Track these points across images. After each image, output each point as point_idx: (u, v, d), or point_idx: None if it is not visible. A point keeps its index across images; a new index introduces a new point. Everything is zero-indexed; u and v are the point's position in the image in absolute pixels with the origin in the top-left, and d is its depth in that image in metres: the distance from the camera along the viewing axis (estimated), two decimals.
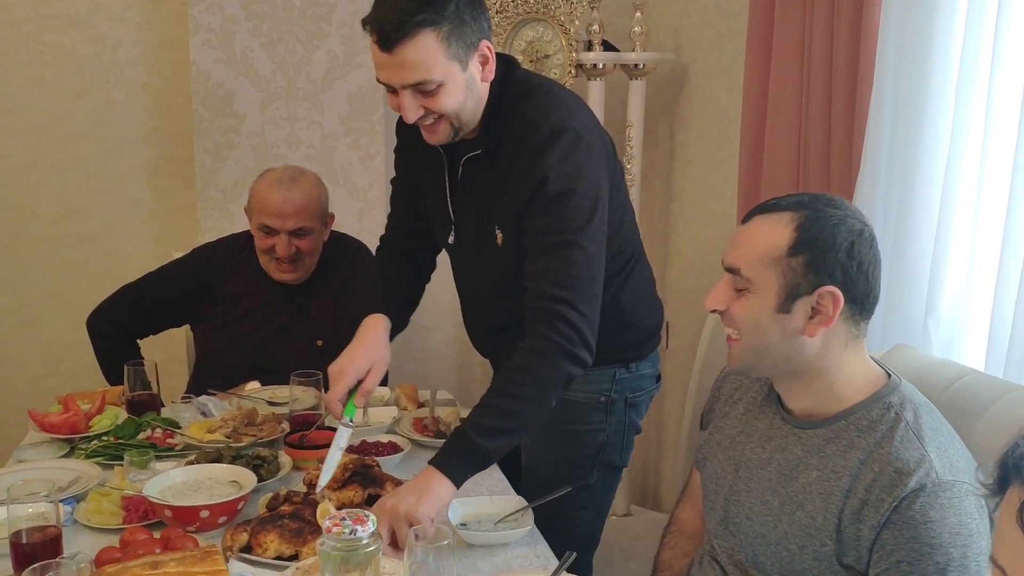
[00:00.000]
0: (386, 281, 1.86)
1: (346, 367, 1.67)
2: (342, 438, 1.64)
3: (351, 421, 1.66)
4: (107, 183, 2.80)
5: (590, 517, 1.88)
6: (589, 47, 2.67)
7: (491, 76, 1.60)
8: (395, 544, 1.43)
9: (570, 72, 2.62)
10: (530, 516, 1.57)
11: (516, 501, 1.63)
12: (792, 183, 2.12)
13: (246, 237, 2.32)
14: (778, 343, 1.27)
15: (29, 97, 2.71)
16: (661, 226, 2.96)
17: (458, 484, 1.50)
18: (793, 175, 2.13)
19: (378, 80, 1.56)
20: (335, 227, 2.36)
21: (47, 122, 2.74)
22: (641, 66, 2.69)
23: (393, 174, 1.90)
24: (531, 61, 2.70)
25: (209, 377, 2.24)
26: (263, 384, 2.18)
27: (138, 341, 2.34)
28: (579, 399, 1.79)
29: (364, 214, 2.86)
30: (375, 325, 1.75)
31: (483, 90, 1.60)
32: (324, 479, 1.57)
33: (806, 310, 1.24)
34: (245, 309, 2.28)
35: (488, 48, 1.57)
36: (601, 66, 2.67)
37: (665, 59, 2.75)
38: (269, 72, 2.71)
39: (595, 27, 2.64)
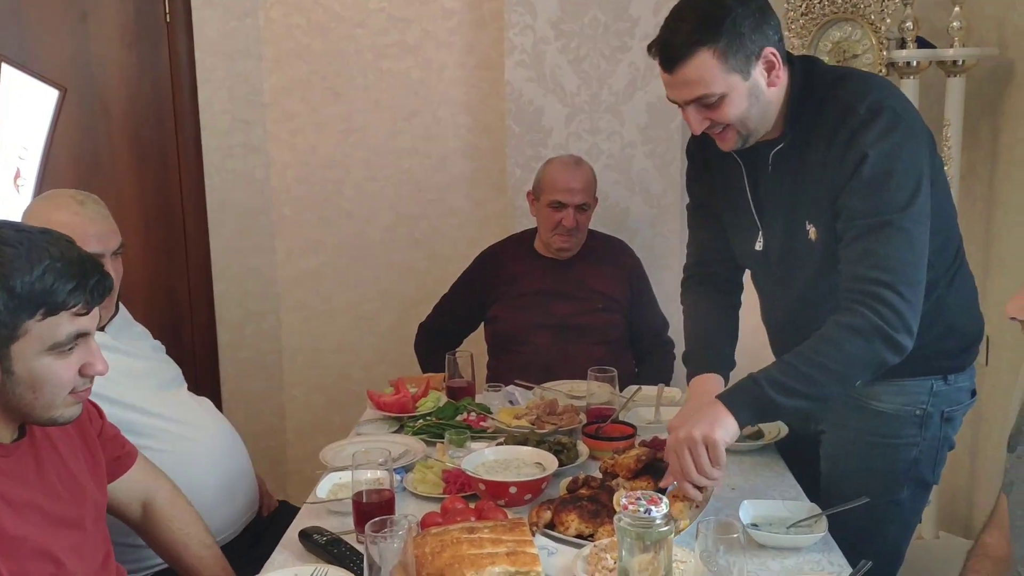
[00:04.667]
0: (705, 326, 1.88)
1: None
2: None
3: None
4: (433, 194, 3.13)
5: (896, 532, 1.82)
6: (902, 44, 2.55)
7: (779, 80, 1.61)
8: (686, 477, 1.51)
9: (880, 71, 2.52)
10: (824, 523, 1.56)
11: (809, 507, 1.62)
12: None
13: (522, 233, 2.79)
14: None
15: (369, 118, 3.09)
16: (982, 233, 2.74)
17: (742, 425, 1.54)
18: None
19: (668, 98, 1.65)
20: (622, 231, 2.71)
21: (384, 139, 3.10)
22: (960, 63, 2.52)
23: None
24: (837, 61, 2.63)
25: (502, 366, 2.58)
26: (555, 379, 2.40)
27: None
28: (892, 411, 1.74)
29: (658, 220, 2.95)
30: (709, 387, 1.74)
31: (772, 95, 1.62)
32: None
33: None
34: (524, 283, 2.66)
35: (773, 54, 1.58)
36: (915, 64, 2.54)
37: (987, 55, 2.56)
38: (575, 88, 2.88)
39: (908, 24, 2.52)
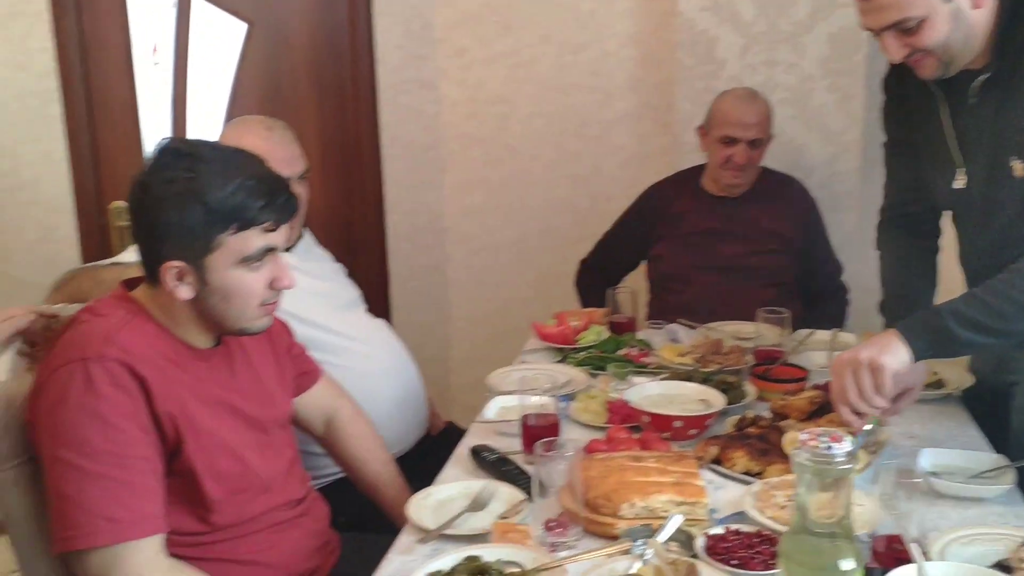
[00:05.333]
0: (903, 272, 1.82)
1: None
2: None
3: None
4: (596, 130, 3.09)
5: None
6: None
7: (984, 2, 1.49)
8: (845, 400, 1.46)
9: None
10: (1011, 475, 1.47)
11: (994, 459, 1.53)
12: None
13: (688, 170, 2.70)
14: None
15: (537, 52, 3.07)
16: None
17: (916, 357, 1.46)
18: None
19: (862, 27, 1.55)
20: (796, 169, 2.59)
21: (551, 74, 3.08)
22: None
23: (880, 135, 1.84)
24: None
25: (663, 306, 2.55)
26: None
27: None
28: None
29: (836, 159, 2.81)
30: None
31: (977, 18, 1.50)
32: None
33: None
34: (690, 221, 2.59)
35: None
36: None
37: None
38: (751, 16, 2.75)
39: None
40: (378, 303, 3.28)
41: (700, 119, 2.62)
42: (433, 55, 3.11)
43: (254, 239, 1.41)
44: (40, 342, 1.54)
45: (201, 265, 1.40)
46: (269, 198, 1.41)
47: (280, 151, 1.91)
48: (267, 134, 1.95)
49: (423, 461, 2.03)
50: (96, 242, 3.15)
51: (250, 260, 1.42)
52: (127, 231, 3.13)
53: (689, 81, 2.84)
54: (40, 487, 1.45)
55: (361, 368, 2.02)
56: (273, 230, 1.43)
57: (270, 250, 1.45)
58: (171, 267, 1.39)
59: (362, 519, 1.84)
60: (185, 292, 1.41)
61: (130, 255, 1.91)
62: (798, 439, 1.07)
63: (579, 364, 2.09)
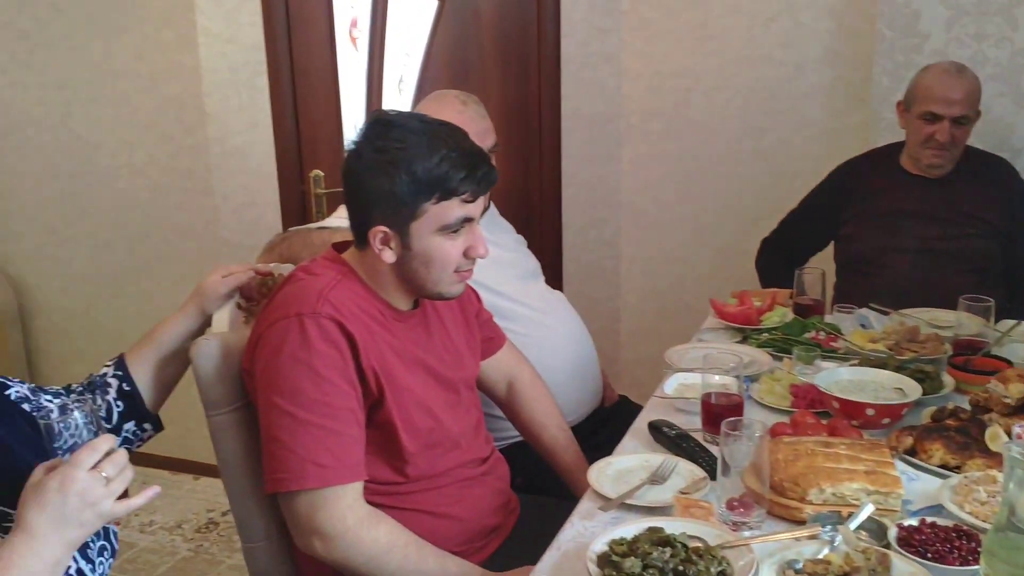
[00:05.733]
0: None
1: None
2: None
3: None
4: (785, 103, 2.99)
5: None
6: None
7: None
8: None
9: None
10: None
11: None
12: None
13: (885, 147, 2.57)
14: None
15: (726, 23, 3.00)
16: None
17: None
18: None
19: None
20: (1004, 150, 2.44)
21: (739, 47, 3.00)
22: None
23: None
24: None
25: (852, 289, 2.44)
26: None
27: None
28: None
29: None
30: None
31: None
32: None
33: None
34: (885, 200, 2.47)
35: None
36: None
37: None
38: None
39: None
40: (551, 275, 3.32)
41: (899, 94, 2.49)
42: (617, 28, 3.09)
43: (454, 209, 1.47)
44: (256, 297, 1.67)
45: (405, 231, 1.47)
46: (470, 170, 1.46)
47: (473, 125, 1.97)
48: (462, 108, 2.01)
49: (596, 432, 2.07)
50: (295, 208, 3.35)
51: (449, 228, 1.48)
52: (324, 198, 3.33)
53: (889, 54, 2.69)
54: (252, 431, 1.59)
55: (540, 337, 2.07)
56: (471, 201, 1.49)
57: (467, 220, 1.50)
58: (378, 232, 1.48)
59: (538, 482, 1.90)
60: (389, 256, 1.50)
61: (335, 220, 2.03)
62: (1013, 432, 1.02)
63: (761, 345, 2.05)
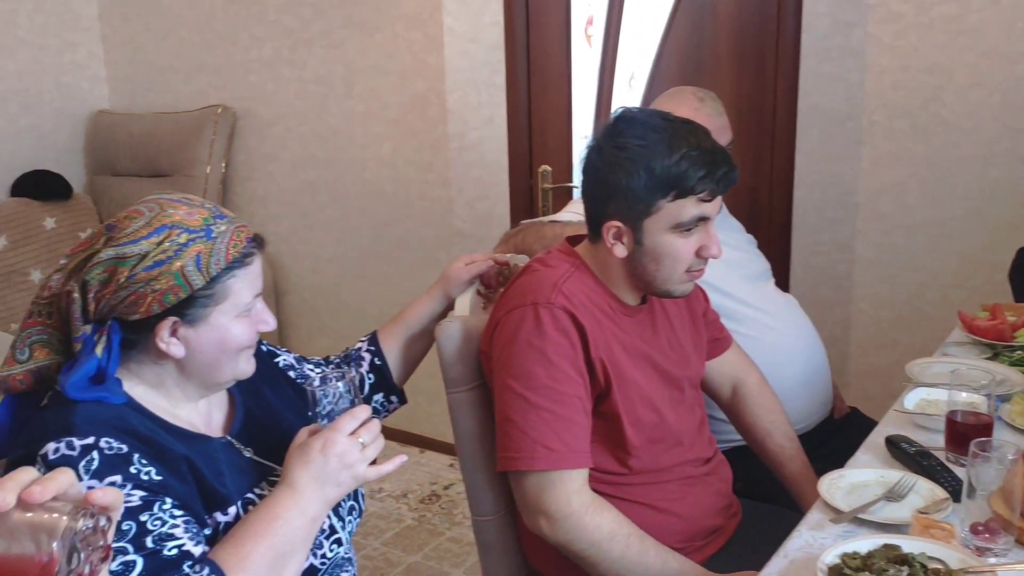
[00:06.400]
0: None
1: None
2: None
3: None
4: None
5: None
6: None
7: None
8: None
9: None
10: None
11: None
12: None
13: None
14: None
15: (988, 16, 2.77)
16: None
17: None
18: None
19: None
20: None
21: (999, 41, 2.77)
22: None
23: None
24: None
25: None
26: None
27: None
28: None
29: None
30: None
31: None
32: None
33: None
34: None
35: None
36: None
37: None
38: None
39: None
40: (777, 277, 3.23)
41: None
42: (863, 21, 2.95)
43: (689, 207, 1.48)
44: (494, 285, 1.76)
45: (638, 227, 1.50)
46: (709, 169, 1.46)
47: (710, 122, 1.95)
48: (698, 105, 2.01)
49: (824, 443, 2.00)
50: (523, 202, 3.47)
51: (683, 226, 1.49)
52: (550, 193, 3.42)
53: None
54: (486, 410, 1.68)
55: (768, 341, 2.03)
56: (708, 200, 1.49)
57: (703, 219, 1.51)
58: (612, 226, 1.51)
59: (758, 488, 1.87)
60: (621, 251, 1.53)
61: (567, 214, 2.10)
62: None
63: (1014, 364, 1.90)
